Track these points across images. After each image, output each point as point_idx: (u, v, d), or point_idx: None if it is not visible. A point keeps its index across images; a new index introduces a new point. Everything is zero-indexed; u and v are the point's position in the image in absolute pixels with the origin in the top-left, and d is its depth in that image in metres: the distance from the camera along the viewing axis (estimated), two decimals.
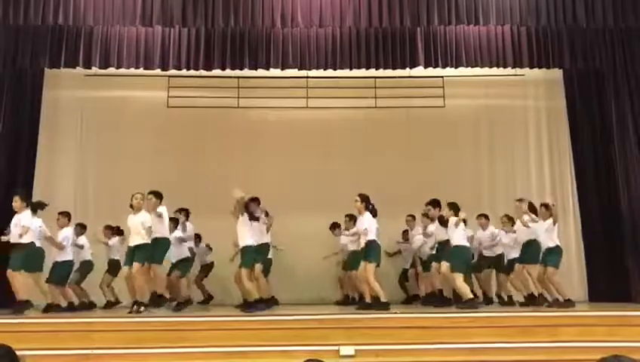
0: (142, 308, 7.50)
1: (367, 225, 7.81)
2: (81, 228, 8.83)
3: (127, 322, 6.77)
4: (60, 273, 8.21)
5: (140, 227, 7.64)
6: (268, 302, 8.15)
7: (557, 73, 10.28)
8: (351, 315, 7.18)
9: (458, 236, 7.91)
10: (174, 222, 8.54)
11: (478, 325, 6.62)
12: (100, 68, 9.08)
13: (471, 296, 7.70)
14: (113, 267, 8.92)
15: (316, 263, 9.82)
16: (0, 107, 9.12)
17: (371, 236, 7.78)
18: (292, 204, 9.58)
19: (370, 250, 7.78)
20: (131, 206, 7.81)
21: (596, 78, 9.92)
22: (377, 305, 7.55)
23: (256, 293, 7.86)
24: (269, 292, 8.61)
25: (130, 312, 7.45)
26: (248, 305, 7.77)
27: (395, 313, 7.19)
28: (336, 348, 6.09)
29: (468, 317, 6.87)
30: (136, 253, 7.61)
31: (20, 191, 8.07)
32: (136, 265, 7.54)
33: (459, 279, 7.74)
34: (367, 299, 7.87)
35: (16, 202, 7.68)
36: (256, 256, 8.00)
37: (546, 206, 8.19)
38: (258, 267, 8.12)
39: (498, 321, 6.77)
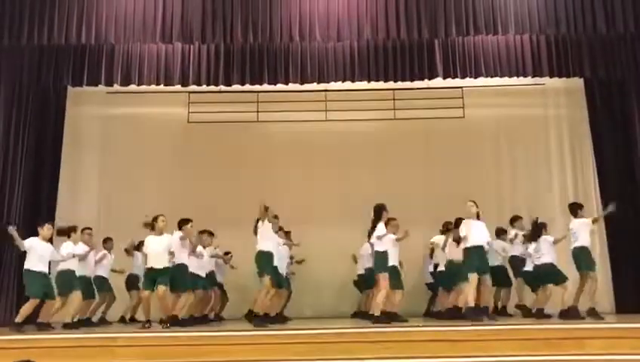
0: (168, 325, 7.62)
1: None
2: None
3: (149, 337, 6.80)
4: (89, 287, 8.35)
5: (166, 250, 7.75)
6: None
7: (578, 81, 10.18)
8: (374, 328, 7.12)
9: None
10: None
11: (504, 338, 6.52)
12: (122, 85, 9.21)
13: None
14: (135, 282, 9.07)
15: (337, 276, 9.79)
16: (24, 124, 9.30)
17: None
18: (312, 217, 9.62)
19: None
20: (152, 227, 7.86)
21: (618, 86, 9.79)
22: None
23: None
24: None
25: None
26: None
27: (418, 326, 7.13)
28: None
29: (493, 330, 6.77)
30: (159, 277, 7.66)
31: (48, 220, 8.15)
32: (162, 288, 7.62)
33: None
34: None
35: (50, 230, 7.72)
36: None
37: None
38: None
39: (524, 334, 6.66)
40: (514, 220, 9.07)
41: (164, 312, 7.82)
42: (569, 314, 7.77)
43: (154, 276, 7.69)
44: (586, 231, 8.00)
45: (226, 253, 9.45)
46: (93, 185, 10.38)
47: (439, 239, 8.75)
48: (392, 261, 7.81)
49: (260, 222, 7.75)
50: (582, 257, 7.93)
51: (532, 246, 8.28)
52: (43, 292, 7.47)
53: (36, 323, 7.51)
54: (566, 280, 8.02)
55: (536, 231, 8.23)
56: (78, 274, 8.01)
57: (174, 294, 7.95)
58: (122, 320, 9.13)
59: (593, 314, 7.75)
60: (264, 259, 7.67)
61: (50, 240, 7.78)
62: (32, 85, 9.34)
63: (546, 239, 8.15)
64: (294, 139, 10.47)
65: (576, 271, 8.06)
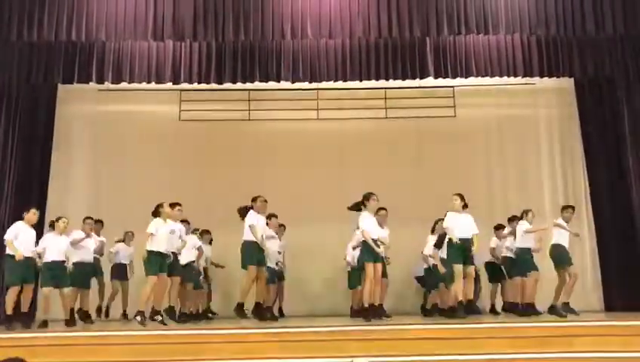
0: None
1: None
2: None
3: (143, 335, 6.77)
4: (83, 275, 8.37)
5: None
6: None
7: (568, 81, 10.26)
8: (365, 326, 7.14)
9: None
10: None
11: (494, 336, 6.56)
12: (113, 83, 9.16)
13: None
14: (123, 272, 9.11)
15: (329, 274, 9.80)
16: (14, 122, 9.25)
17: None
18: (303, 216, 9.61)
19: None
20: (156, 214, 7.82)
21: (608, 86, 9.87)
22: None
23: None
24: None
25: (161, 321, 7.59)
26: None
27: (410, 324, 7.16)
28: (349, 359, 6.05)
29: (483, 328, 6.82)
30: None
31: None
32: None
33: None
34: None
35: (35, 215, 7.75)
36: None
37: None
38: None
39: (514, 332, 6.71)
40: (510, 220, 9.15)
41: (156, 301, 7.72)
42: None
43: (166, 262, 7.70)
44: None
45: (204, 231, 9.28)
46: (83, 183, 10.33)
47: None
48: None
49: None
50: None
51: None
52: (21, 279, 7.46)
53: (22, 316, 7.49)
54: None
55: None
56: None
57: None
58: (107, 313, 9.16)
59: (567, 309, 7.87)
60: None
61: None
62: (22, 83, 9.27)
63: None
64: (286, 138, 10.47)
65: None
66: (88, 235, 8.31)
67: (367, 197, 7.85)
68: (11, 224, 8.62)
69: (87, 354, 6.28)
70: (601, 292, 9.69)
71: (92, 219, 8.69)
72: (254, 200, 7.92)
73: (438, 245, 8.27)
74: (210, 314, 9.28)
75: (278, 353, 6.26)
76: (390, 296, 8.89)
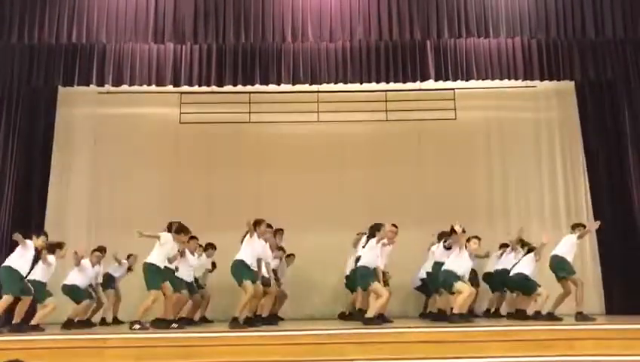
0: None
1: None
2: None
3: (140, 338, 6.77)
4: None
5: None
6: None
7: (569, 84, 10.23)
8: (366, 330, 7.12)
9: None
10: None
11: (495, 339, 6.56)
12: (113, 85, 9.15)
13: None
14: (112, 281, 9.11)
15: (330, 277, 9.78)
16: (14, 125, 9.22)
17: None
18: (304, 219, 9.59)
19: None
20: (171, 230, 7.93)
21: (609, 89, 9.84)
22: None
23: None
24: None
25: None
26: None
27: (409, 327, 7.14)
28: None
29: (484, 331, 6.82)
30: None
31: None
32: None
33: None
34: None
35: (44, 241, 7.78)
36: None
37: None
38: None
39: (514, 335, 6.70)
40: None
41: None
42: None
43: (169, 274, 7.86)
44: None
45: (209, 245, 9.26)
46: (83, 186, 10.28)
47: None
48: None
49: (248, 236, 7.81)
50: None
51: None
52: (19, 289, 7.44)
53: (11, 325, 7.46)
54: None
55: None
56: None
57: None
58: (103, 322, 9.04)
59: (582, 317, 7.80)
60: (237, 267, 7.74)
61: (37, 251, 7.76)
62: (22, 85, 9.25)
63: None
64: (286, 140, 10.44)
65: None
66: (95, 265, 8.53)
67: (377, 228, 7.98)
68: (11, 225, 8.69)
69: (86, 357, 6.29)
70: (602, 294, 9.66)
71: (101, 251, 8.69)
72: (258, 224, 7.88)
73: (448, 248, 8.27)
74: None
75: (276, 356, 6.26)
76: (391, 299, 8.84)
